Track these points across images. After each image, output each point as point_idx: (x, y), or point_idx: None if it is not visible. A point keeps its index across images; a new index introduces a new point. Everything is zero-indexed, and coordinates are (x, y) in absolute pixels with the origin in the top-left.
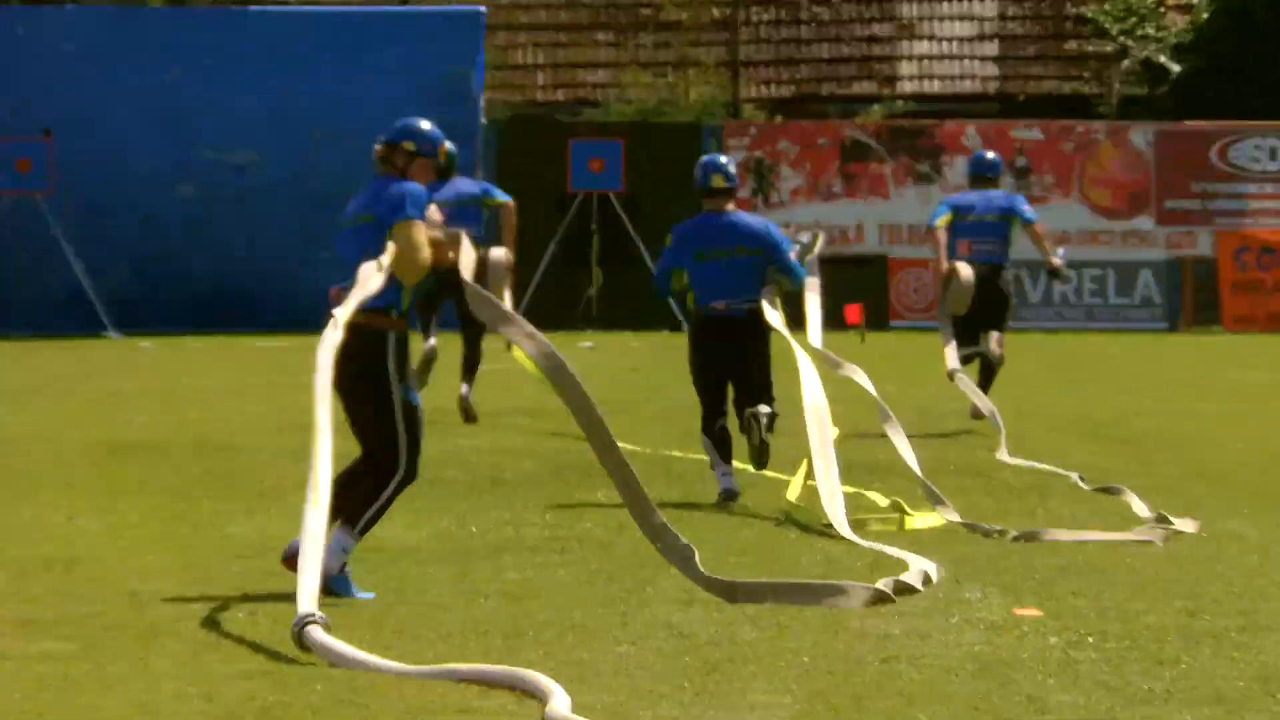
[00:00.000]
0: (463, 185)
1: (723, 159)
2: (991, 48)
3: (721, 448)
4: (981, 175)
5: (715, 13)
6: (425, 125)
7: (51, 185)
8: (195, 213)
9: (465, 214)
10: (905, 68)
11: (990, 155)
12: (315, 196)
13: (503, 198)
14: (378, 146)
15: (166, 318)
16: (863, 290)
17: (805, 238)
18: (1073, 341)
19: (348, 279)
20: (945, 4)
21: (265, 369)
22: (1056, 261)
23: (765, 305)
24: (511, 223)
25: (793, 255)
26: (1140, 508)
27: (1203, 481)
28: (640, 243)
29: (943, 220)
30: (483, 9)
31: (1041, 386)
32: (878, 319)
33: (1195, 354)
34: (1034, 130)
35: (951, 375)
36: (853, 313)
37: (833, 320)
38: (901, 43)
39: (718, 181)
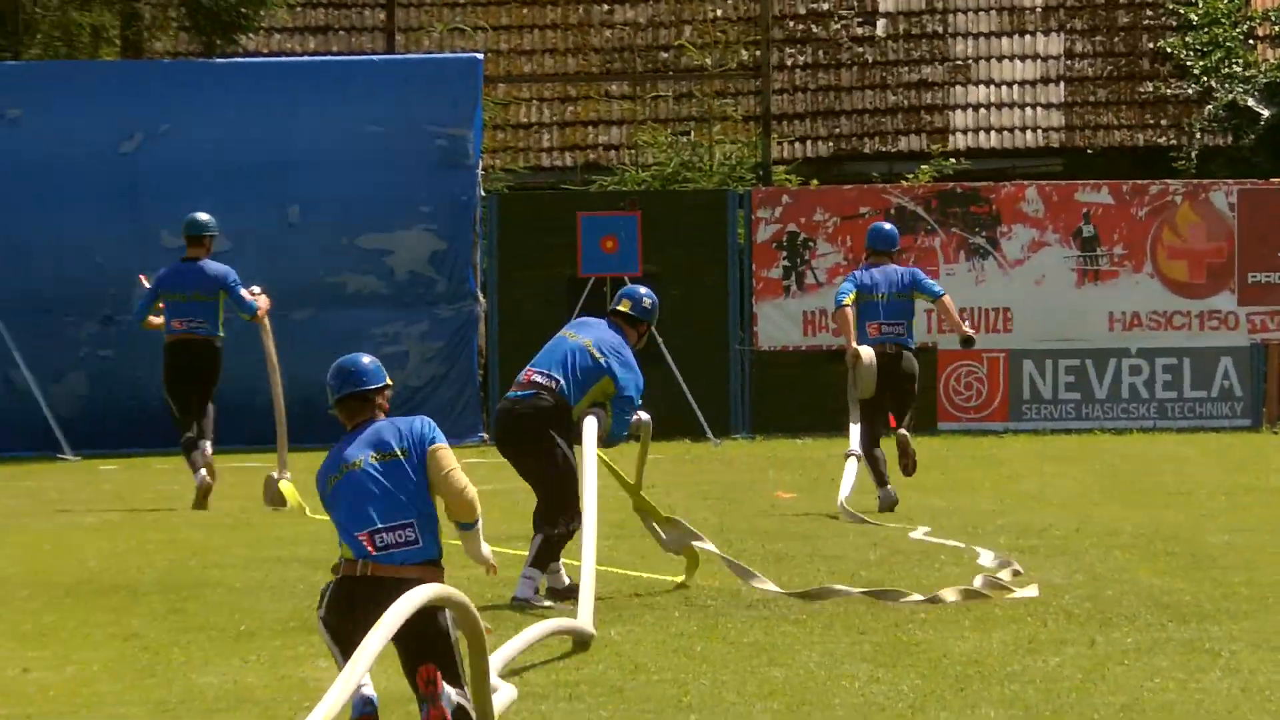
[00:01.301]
0: (213, 268)
1: None
2: (1057, 92)
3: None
4: (881, 250)
5: (744, 55)
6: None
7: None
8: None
9: (201, 309)
10: (959, 118)
11: (888, 227)
12: (292, 289)
13: (250, 306)
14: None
15: (129, 435)
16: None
17: None
18: (1142, 443)
19: None
20: (1005, 40)
21: (238, 492)
22: (969, 330)
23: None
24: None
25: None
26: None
27: None
28: (658, 336)
29: (850, 299)
30: (480, 57)
31: (1104, 497)
32: (923, 421)
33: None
34: (1103, 192)
35: (847, 456)
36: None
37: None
38: (955, 89)
39: None
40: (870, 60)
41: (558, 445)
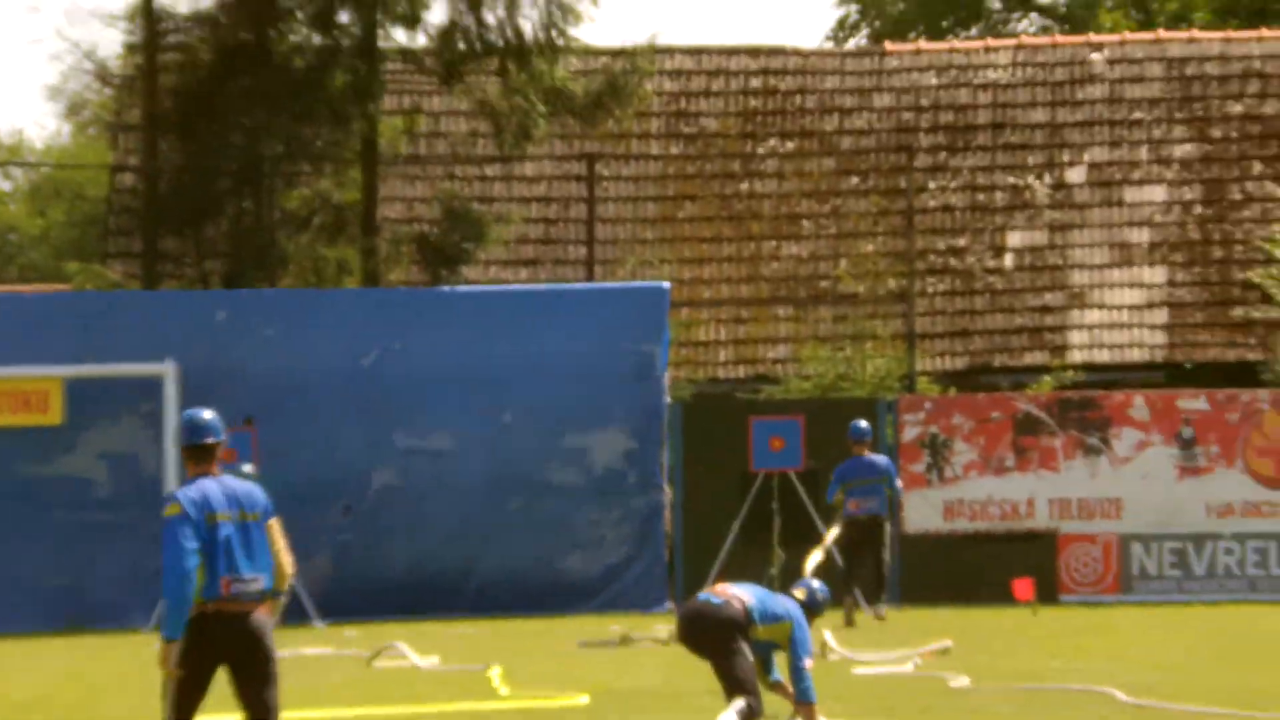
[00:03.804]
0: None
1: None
2: (1161, 315)
3: None
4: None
5: (892, 283)
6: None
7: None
8: (394, 499)
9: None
10: (1075, 337)
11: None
12: (507, 480)
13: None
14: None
15: (368, 604)
16: (1033, 565)
17: None
18: (1234, 613)
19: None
20: (1116, 271)
21: (459, 654)
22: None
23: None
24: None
25: None
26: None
27: None
28: (820, 521)
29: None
30: (667, 286)
31: (1204, 660)
32: (1047, 594)
33: None
34: (1200, 400)
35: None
36: (1023, 588)
37: (1003, 595)
38: (1072, 312)
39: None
40: (999, 288)
41: (739, 644)
